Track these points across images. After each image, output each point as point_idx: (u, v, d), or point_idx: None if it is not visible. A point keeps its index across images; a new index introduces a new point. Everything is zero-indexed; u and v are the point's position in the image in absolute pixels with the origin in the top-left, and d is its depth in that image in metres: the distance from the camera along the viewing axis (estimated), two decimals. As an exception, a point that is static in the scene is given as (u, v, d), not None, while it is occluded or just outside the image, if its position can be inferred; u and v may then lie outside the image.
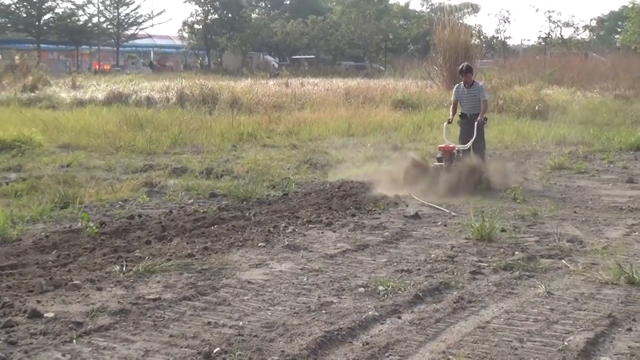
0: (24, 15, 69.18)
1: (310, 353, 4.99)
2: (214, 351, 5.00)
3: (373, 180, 11.81)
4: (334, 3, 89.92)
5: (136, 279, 6.62)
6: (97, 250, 7.60)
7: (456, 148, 12.04)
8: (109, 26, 76.05)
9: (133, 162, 14.15)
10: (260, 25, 79.31)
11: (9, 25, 69.76)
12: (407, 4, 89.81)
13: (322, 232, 8.72)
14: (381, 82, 39.28)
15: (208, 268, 7.03)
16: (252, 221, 9.21)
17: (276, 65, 73.74)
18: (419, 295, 6.22)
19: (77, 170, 13.14)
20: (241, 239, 8.22)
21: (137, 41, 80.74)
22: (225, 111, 23.82)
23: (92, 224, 8.50)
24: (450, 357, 4.99)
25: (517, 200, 10.72)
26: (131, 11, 76.61)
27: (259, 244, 8.03)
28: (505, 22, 75.56)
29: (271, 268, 7.14)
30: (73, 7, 73.52)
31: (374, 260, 7.49)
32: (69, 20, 71.66)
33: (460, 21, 37.38)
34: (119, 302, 5.95)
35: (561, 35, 71.29)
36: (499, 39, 76.10)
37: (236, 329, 5.43)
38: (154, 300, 6.02)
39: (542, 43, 71.18)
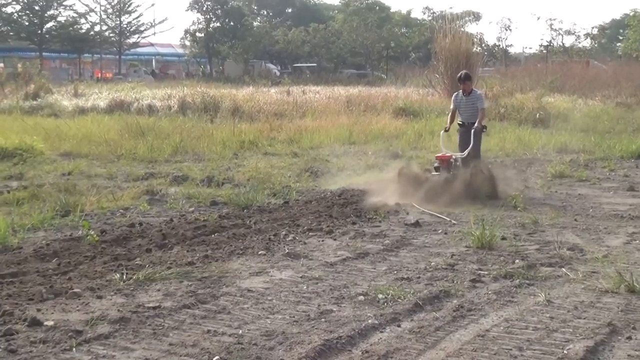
0: (27, 23, 69.38)
1: (309, 361, 4.99)
2: (214, 359, 5.00)
3: (372, 188, 11.78)
4: (336, 11, 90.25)
5: (136, 287, 6.62)
6: (97, 259, 7.60)
7: (453, 157, 12.01)
8: (111, 34, 76.26)
9: (134, 170, 14.16)
10: (262, 34, 79.53)
11: (11, 33, 69.95)
12: (409, 12, 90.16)
13: (322, 240, 8.72)
14: (383, 90, 39.34)
15: (208, 276, 7.03)
16: (252, 229, 9.22)
17: (278, 73, 73.90)
18: (419, 303, 6.22)
19: (79, 179, 13.16)
20: (241, 247, 8.23)
21: (139, 49, 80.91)
22: (227, 119, 23.88)
23: (92, 232, 8.52)
24: (450, 365, 4.99)
25: (518, 208, 10.72)
26: (133, 19, 76.99)
27: (260, 252, 8.04)
28: (506, 30, 75.67)
29: (271, 276, 7.14)
30: (75, 15, 73.89)
31: (374, 269, 7.49)
32: (71, 28, 71.85)
33: (462, 29, 37.42)
34: (119, 310, 5.95)
35: (563, 43, 71.46)
36: (501, 47, 76.25)
37: (236, 338, 5.43)
38: (154, 308, 6.02)
39: (544, 51, 71.30)
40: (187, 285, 6.72)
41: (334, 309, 6.11)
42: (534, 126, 23.73)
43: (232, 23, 77.10)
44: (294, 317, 5.92)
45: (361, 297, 6.43)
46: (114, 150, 16.66)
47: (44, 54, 69.60)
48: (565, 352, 5.20)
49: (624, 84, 37.16)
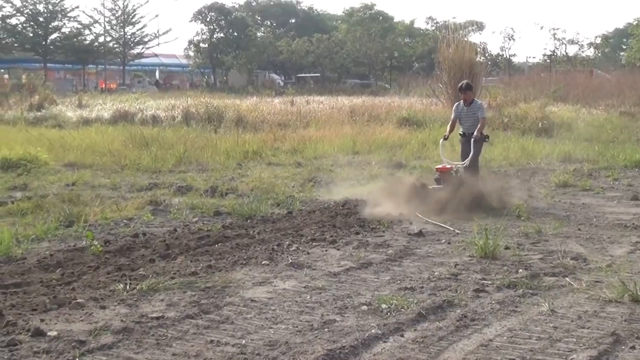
0: (31, 34, 69.71)
1: (312, 371, 4.99)
2: (217, 370, 5.01)
3: (375, 199, 11.75)
4: (339, 21, 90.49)
5: (140, 298, 6.62)
6: (101, 269, 7.61)
7: (453, 168, 11.98)
8: (115, 45, 76.56)
9: (138, 181, 14.18)
10: (265, 44, 79.76)
11: (16, 44, 70.26)
12: (412, 22, 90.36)
13: (326, 250, 8.72)
14: (386, 99, 39.42)
15: (212, 286, 7.04)
16: (256, 239, 9.22)
17: (282, 84, 74.08)
18: (422, 313, 6.21)
19: (82, 189, 13.18)
20: (245, 257, 8.23)
21: (143, 60, 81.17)
22: (231, 129, 23.92)
23: (96, 243, 8.53)
24: (453, 375, 4.98)
25: (522, 218, 10.71)
26: (137, 30, 77.32)
27: (263, 262, 8.04)
28: (510, 39, 75.88)
29: (275, 286, 7.14)
30: (79, 26, 74.22)
31: (378, 278, 7.49)
32: (75, 39, 72.15)
33: (465, 39, 37.37)
34: (122, 320, 5.96)
35: (566, 53, 71.58)
36: (504, 56, 76.36)
37: (239, 348, 5.43)
38: (157, 318, 6.03)
39: (547, 60, 71.39)
40: (190, 296, 6.72)
41: (337, 319, 6.10)
42: (537, 135, 23.73)
43: (235, 33, 77.36)
44: (297, 327, 5.91)
45: (364, 307, 6.42)
46: (118, 160, 16.69)
47: (48, 65, 69.95)
48: (568, 361, 5.19)
49: (628, 93, 37.16)
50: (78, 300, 6.41)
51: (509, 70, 71.74)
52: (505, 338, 5.69)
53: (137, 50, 78.56)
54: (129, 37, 76.77)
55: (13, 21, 69.80)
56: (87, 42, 73.98)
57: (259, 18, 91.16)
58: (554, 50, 71.99)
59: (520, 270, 7.75)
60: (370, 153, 19.38)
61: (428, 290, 6.99)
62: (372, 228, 10.08)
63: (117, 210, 11.08)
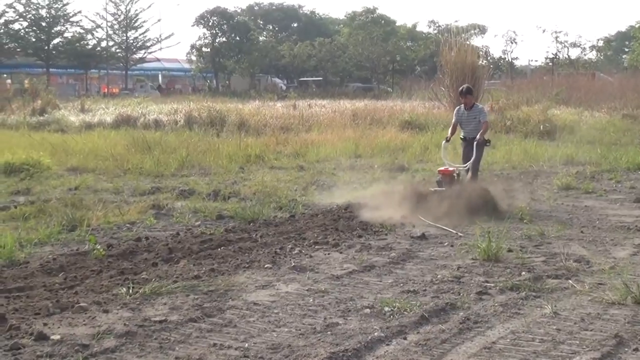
0: (33, 39, 69.76)
1: (315, 374, 4.99)
2: (220, 373, 5.01)
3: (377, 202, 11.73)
4: (341, 25, 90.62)
5: (142, 301, 6.63)
6: (104, 273, 7.62)
7: (455, 171, 11.97)
8: (118, 50, 76.59)
9: (141, 185, 14.19)
10: (268, 48, 79.78)
11: (18, 49, 70.33)
12: (414, 26, 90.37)
13: (328, 254, 8.72)
14: (388, 103, 39.42)
15: (214, 290, 7.04)
16: (258, 243, 9.23)
17: (284, 88, 74.03)
18: (425, 316, 6.21)
19: (85, 193, 13.19)
20: (248, 261, 8.23)
21: (146, 64, 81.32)
22: (233, 133, 23.95)
23: (99, 247, 8.55)
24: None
25: (524, 221, 10.71)
26: (140, 35, 77.29)
27: (266, 266, 8.04)
28: (512, 43, 75.79)
29: (277, 289, 7.14)
30: (82, 31, 74.21)
31: (380, 281, 7.49)
32: (78, 44, 72.16)
33: (467, 42, 37.44)
34: (125, 324, 5.96)
35: (568, 56, 71.48)
36: (506, 59, 76.35)
37: (242, 351, 5.43)
38: (160, 322, 6.03)
39: (550, 63, 71.34)
40: (193, 299, 6.73)
41: (340, 322, 6.11)
42: (540, 138, 23.74)
43: (238, 38, 77.41)
44: (300, 330, 5.92)
45: (367, 310, 6.42)
46: (121, 165, 16.70)
47: (50, 69, 69.98)
48: (572, 364, 5.19)
49: (630, 95, 37.18)
50: (81, 304, 6.42)
51: (511, 73, 71.71)
52: (508, 340, 5.69)
53: (140, 54, 78.63)
54: (132, 41, 76.84)
55: (16, 26, 69.92)
56: (90, 46, 73.98)
57: (261, 22, 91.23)
58: (556, 54, 71.99)
59: (523, 272, 7.75)
60: (372, 156, 19.39)
61: (431, 293, 6.99)
62: (375, 231, 10.07)
63: (119, 214, 11.08)
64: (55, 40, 71.18)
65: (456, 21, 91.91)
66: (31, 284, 7.17)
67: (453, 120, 12.63)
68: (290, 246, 9.01)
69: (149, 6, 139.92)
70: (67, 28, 72.98)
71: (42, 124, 28.28)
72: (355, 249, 8.96)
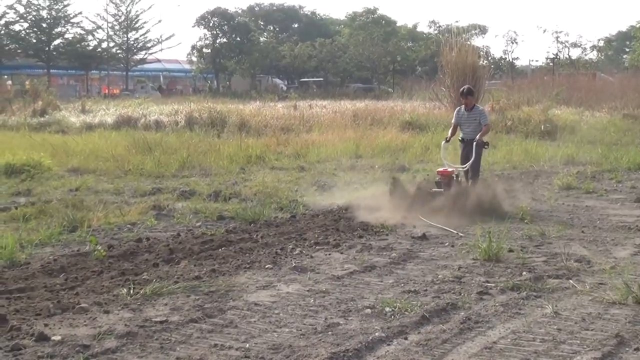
0: (34, 40, 69.84)
1: (316, 374, 4.99)
2: (220, 373, 5.01)
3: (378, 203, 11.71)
4: (342, 26, 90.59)
5: (143, 302, 6.63)
6: (104, 274, 7.62)
7: (455, 172, 11.91)
8: (118, 51, 76.68)
9: (141, 186, 14.18)
10: (268, 49, 79.78)
11: (19, 50, 70.44)
12: (415, 26, 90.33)
13: (329, 254, 8.72)
14: (389, 103, 39.44)
15: (215, 290, 7.04)
16: (259, 243, 9.23)
17: (284, 88, 74.00)
18: (426, 316, 6.21)
19: (86, 194, 13.19)
20: (248, 261, 8.23)
21: (146, 65, 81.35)
22: (234, 134, 23.95)
23: (100, 247, 8.55)
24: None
25: (525, 221, 10.71)
26: (140, 36, 77.44)
27: (266, 266, 8.04)
28: (512, 43, 75.91)
29: (278, 290, 7.14)
30: (83, 32, 74.35)
31: (381, 281, 7.49)
32: (78, 45, 72.21)
33: (468, 42, 37.41)
34: (126, 324, 5.96)
35: (569, 56, 71.52)
36: (507, 60, 76.34)
37: (242, 351, 5.43)
38: (161, 322, 6.03)
39: (550, 64, 71.35)
40: (194, 300, 6.73)
41: (341, 322, 6.11)
42: (540, 138, 23.76)
43: (238, 38, 77.48)
44: (301, 330, 5.92)
45: (368, 310, 6.42)
46: (121, 165, 16.70)
47: (51, 70, 70.04)
48: (572, 363, 5.19)
49: (631, 95, 37.17)
50: (82, 305, 6.42)
51: (512, 73, 71.64)
52: (509, 340, 5.69)
53: (140, 55, 78.75)
54: (132, 42, 76.93)
55: (16, 27, 70.06)
56: (90, 47, 74.06)
57: (262, 23, 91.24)
58: (556, 54, 72.06)
59: (524, 272, 7.75)
60: (373, 157, 19.39)
61: (432, 293, 6.99)
62: (376, 231, 10.07)
63: (120, 215, 11.08)
64: (56, 42, 71.26)
65: (457, 21, 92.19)
66: (32, 284, 7.17)
67: (453, 121, 12.59)
68: (291, 247, 9.02)
69: (150, 7, 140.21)
70: (67, 29, 73.18)
71: (42, 125, 28.30)
72: (356, 249, 8.96)
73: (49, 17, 70.05)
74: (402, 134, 24.38)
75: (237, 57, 77.16)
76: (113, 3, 75.52)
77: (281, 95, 57.17)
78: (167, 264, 8.11)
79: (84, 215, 10.63)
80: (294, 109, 34.75)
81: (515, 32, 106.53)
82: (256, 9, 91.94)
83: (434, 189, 11.71)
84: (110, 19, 76.35)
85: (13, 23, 69.38)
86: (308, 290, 7.11)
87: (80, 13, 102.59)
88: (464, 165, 12.08)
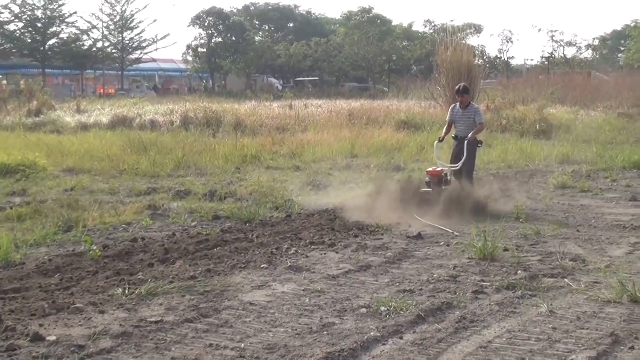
0: (29, 40, 69.80)
1: (311, 374, 4.99)
2: (216, 373, 5.00)
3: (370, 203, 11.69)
4: (338, 25, 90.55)
5: (139, 302, 6.62)
6: (100, 274, 7.61)
7: (444, 171, 11.83)
8: (114, 51, 76.59)
9: (137, 186, 14.16)
10: (264, 48, 79.74)
11: (14, 50, 70.36)
12: (410, 26, 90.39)
13: (324, 254, 8.72)
14: (385, 103, 39.45)
15: (211, 290, 7.03)
16: (255, 243, 9.22)
17: (280, 88, 74.05)
18: (421, 315, 6.21)
19: (81, 194, 13.17)
20: (244, 261, 8.23)
21: (142, 65, 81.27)
22: (229, 134, 23.92)
23: (95, 248, 8.54)
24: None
25: (520, 220, 10.72)
26: (135, 36, 77.37)
27: (262, 266, 8.03)
28: (508, 42, 75.84)
29: (274, 290, 7.14)
30: (78, 32, 74.28)
31: (377, 281, 7.49)
32: (73, 45, 72.16)
33: (463, 42, 37.36)
34: (121, 325, 5.96)
35: (564, 55, 71.50)
36: (502, 59, 76.38)
37: (238, 351, 5.43)
38: (156, 322, 6.03)
39: (546, 63, 71.37)
40: (189, 300, 6.72)
41: (337, 322, 6.11)
42: (536, 137, 23.79)
43: (234, 38, 77.43)
44: (296, 330, 5.91)
45: (363, 310, 6.42)
46: (117, 165, 16.67)
47: (46, 70, 69.96)
48: (568, 362, 5.19)
49: (626, 94, 37.25)
50: (77, 305, 6.41)
51: (507, 72, 71.68)
52: (504, 339, 5.69)
53: (136, 55, 78.66)
54: (127, 42, 76.84)
55: (11, 27, 70.04)
56: (86, 47, 74.06)
57: (257, 22, 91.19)
58: (552, 53, 72.00)
59: (519, 271, 7.76)
60: (369, 156, 19.38)
61: (427, 293, 7.00)
62: (371, 231, 10.07)
63: (115, 215, 11.07)
64: (51, 41, 71.24)
65: (452, 21, 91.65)
66: (27, 285, 7.16)
67: (447, 118, 12.57)
68: (286, 246, 9.01)
69: (145, 7, 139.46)
70: (62, 29, 73.07)
71: (38, 125, 28.25)
72: (351, 248, 8.96)
73: (44, 17, 70.01)
74: (397, 134, 24.37)
75: (233, 57, 77.11)
76: (108, 3, 75.51)
77: (277, 94, 57.11)
78: (162, 264, 8.10)
79: (79, 216, 10.62)
80: (289, 108, 34.72)
81: (510, 32, 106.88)
82: (251, 8, 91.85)
83: (423, 189, 11.67)
84: (106, 18, 76.37)
85: (8, 23, 69.38)
86: (303, 290, 7.11)
87: (76, 13, 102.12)
88: (457, 165, 11.97)
